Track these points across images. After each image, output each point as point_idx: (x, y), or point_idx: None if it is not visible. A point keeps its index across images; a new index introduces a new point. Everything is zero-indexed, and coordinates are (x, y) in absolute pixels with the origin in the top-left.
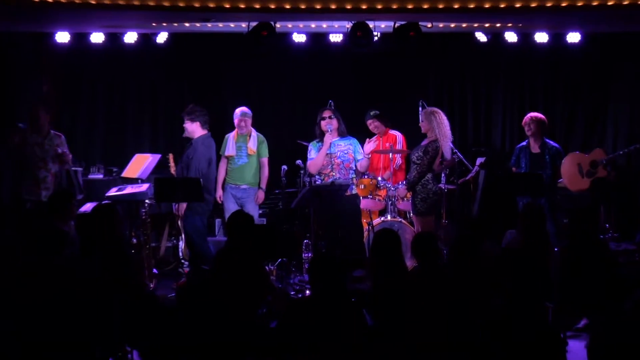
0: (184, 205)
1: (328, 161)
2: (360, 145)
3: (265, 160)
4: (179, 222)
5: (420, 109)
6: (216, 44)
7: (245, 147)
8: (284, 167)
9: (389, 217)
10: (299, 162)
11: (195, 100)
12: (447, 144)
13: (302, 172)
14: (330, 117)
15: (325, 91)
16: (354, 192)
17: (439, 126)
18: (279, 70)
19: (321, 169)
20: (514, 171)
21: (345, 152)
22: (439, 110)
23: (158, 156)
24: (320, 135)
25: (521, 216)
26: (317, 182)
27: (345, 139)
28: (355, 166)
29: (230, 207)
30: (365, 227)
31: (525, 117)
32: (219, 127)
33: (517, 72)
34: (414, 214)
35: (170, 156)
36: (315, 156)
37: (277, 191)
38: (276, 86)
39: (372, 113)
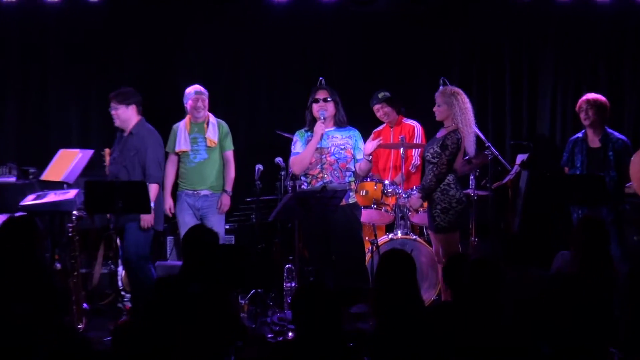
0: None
1: (318, 158)
2: (363, 140)
3: (230, 154)
4: (118, 241)
5: (440, 87)
6: (167, 3)
7: (203, 139)
8: (259, 166)
9: (399, 234)
10: (278, 160)
11: (139, 78)
12: (471, 136)
13: (283, 173)
14: (325, 100)
15: (314, 66)
16: (352, 200)
17: (463, 112)
18: (252, 38)
19: (308, 169)
20: (566, 172)
21: (342, 147)
22: (461, 91)
23: (90, 152)
24: (311, 123)
25: (576, 232)
26: (302, 187)
27: (343, 129)
28: (354, 168)
29: (187, 221)
30: (368, 247)
31: (581, 100)
32: (168, 116)
33: (570, 41)
34: (431, 230)
35: (107, 152)
36: (301, 150)
37: (249, 199)
38: (249, 60)
39: (380, 95)
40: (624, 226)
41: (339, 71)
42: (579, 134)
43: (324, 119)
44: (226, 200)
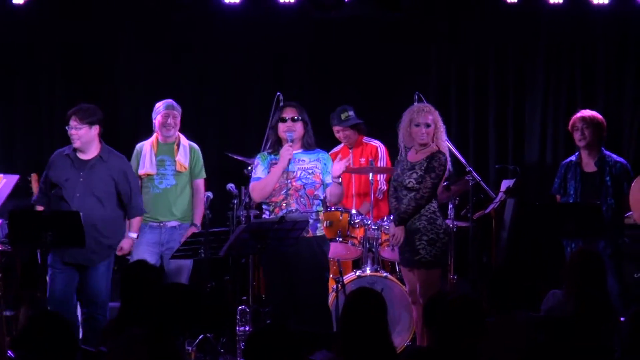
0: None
1: (283, 183)
2: (332, 164)
3: (201, 183)
4: (48, 279)
5: (415, 104)
6: (103, 6)
7: (172, 162)
8: (208, 194)
9: (367, 271)
10: (230, 186)
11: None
12: (448, 154)
13: (235, 201)
14: (293, 119)
15: (270, 79)
16: (319, 232)
17: (442, 132)
18: (200, 47)
19: (271, 195)
20: (558, 200)
21: (310, 171)
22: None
23: (15, 178)
24: (275, 145)
25: (570, 268)
26: (264, 217)
27: (311, 152)
28: (323, 195)
29: (147, 259)
30: (333, 285)
31: (574, 118)
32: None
33: (563, 50)
34: (409, 266)
35: (34, 177)
36: (263, 175)
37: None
38: (195, 72)
39: (343, 116)
40: (623, 261)
41: (297, 84)
42: (572, 157)
43: (292, 141)
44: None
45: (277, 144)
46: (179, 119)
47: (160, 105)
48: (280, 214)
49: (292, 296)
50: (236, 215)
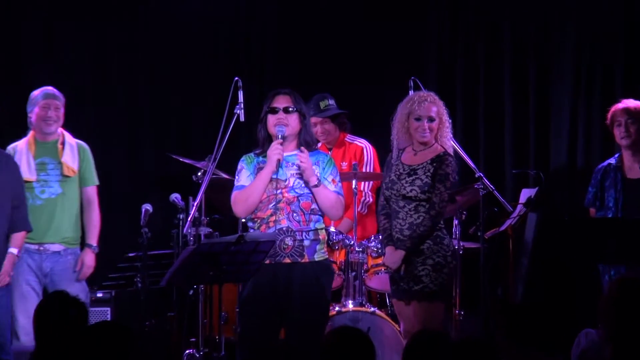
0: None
1: (271, 194)
2: (336, 169)
3: (93, 191)
4: None
5: (410, 92)
6: None
7: (57, 166)
8: (147, 207)
9: (350, 305)
10: (174, 198)
11: None
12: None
13: (181, 216)
14: (286, 110)
15: (226, 61)
16: (319, 256)
17: (448, 126)
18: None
19: (257, 209)
20: (593, 215)
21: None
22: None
23: None
24: (265, 144)
25: (608, 302)
26: (250, 232)
27: (310, 155)
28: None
29: (25, 294)
30: None
31: (614, 109)
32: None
33: (599, 24)
34: (404, 299)
35: None
36: (248, 182)
37: (132, 254)
38: (122, 51)
39: (323, 105)
40: None
41: (259, 68)
42: (612, 160)
43: (284, 138)
44: (90, 260)
45: (267, 142)
46: (62, 110)
47: (37, 95)
48: (273, 229)
49: (275, 343)
50: (182, 234)
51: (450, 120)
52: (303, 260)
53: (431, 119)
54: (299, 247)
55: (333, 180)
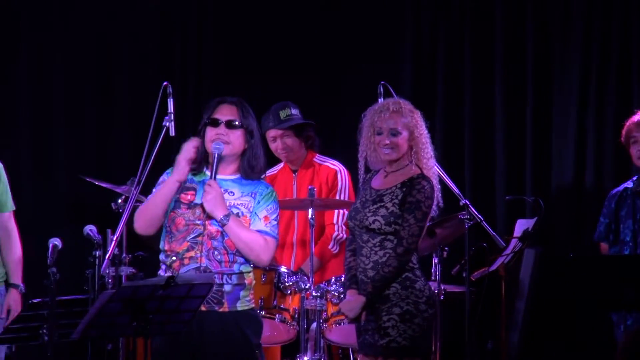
0: None
1: (190, 223)
2: (274, 203)
3: (10, 218)
4: None
5: (380, 100)
6: None
7: None
8: (55, 241)
9: None
10: (89, 230)
11: None
12: (436, 180)
13: (97, 253)
14: (230, 124)
15: (154, 63)
16: (243, 305)
17: (425, 143)
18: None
19: (171, 239)
20: (605, 251)
21: (236, 212)
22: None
23: None
24: (202, 162)
25: (623, 355)
26: (160, 274)
27: (247, 182)
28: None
29: None
30: None
31: (630, 124)
32: None
33: (612, 18)
34: (370, 354)
35: None
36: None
37: (37, 300)
38: (28, 52)
39: (284, 113)
40: None
41: (196, 71)
42: (628, 183)
43: (220, 158)
44: (16, 303)
45: (204, 161)
46: None
47: None
48: (187, 268)
49: None
50: (99, 275)
51: (428, 135)
52: (221, 309)
53: (394, 133)
54: (217, 293)
55: (266, 217)
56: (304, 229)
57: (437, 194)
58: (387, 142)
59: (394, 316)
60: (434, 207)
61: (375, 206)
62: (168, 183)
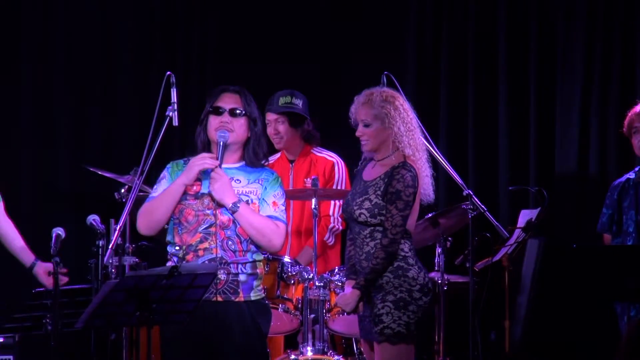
0: None
1: (201, 214)
2: (281, 188)
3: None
4: None
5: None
6: None
7: None
8: (58, 231)
9: (309, 352)
10: (92, 220)
11: None
12: (426, 170)
13: (101, 243)
14: (233, 112)
15: (158, 53)
16: (255, 295)
17: (408, 128)
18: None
19: (181, 230)
20: (608, 242)
21: (246, 199)
22: (399, 95)
23: None
24: (204, 151)
25: (626, 347)
26: (170, 264)
27: (253, 170)
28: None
29: None
30: None
31: (632, 114)
32: None
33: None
34: (368, 339)
35: None
36: (161, 189)
37: (40, 289)
38: (31, 44)
39: (284, 99)
40: None
41: (199, 61)
42: (630, 174)
43: (225, 146)
44: (46, 267)
45: (207, 149)
46: None
47: None
48: (204, 259)
49: None
50: (102, 264)
51: (417, 120)
52: (237, 299)
53: (365, 124)
54: (233, 283)
55: (274, 202)
56: (299, 220)
57: (427, 181)
58: (359, 133)
59: (388, 304)
60: (424, 195)
61: (360, 199)
62: (174, 186)
